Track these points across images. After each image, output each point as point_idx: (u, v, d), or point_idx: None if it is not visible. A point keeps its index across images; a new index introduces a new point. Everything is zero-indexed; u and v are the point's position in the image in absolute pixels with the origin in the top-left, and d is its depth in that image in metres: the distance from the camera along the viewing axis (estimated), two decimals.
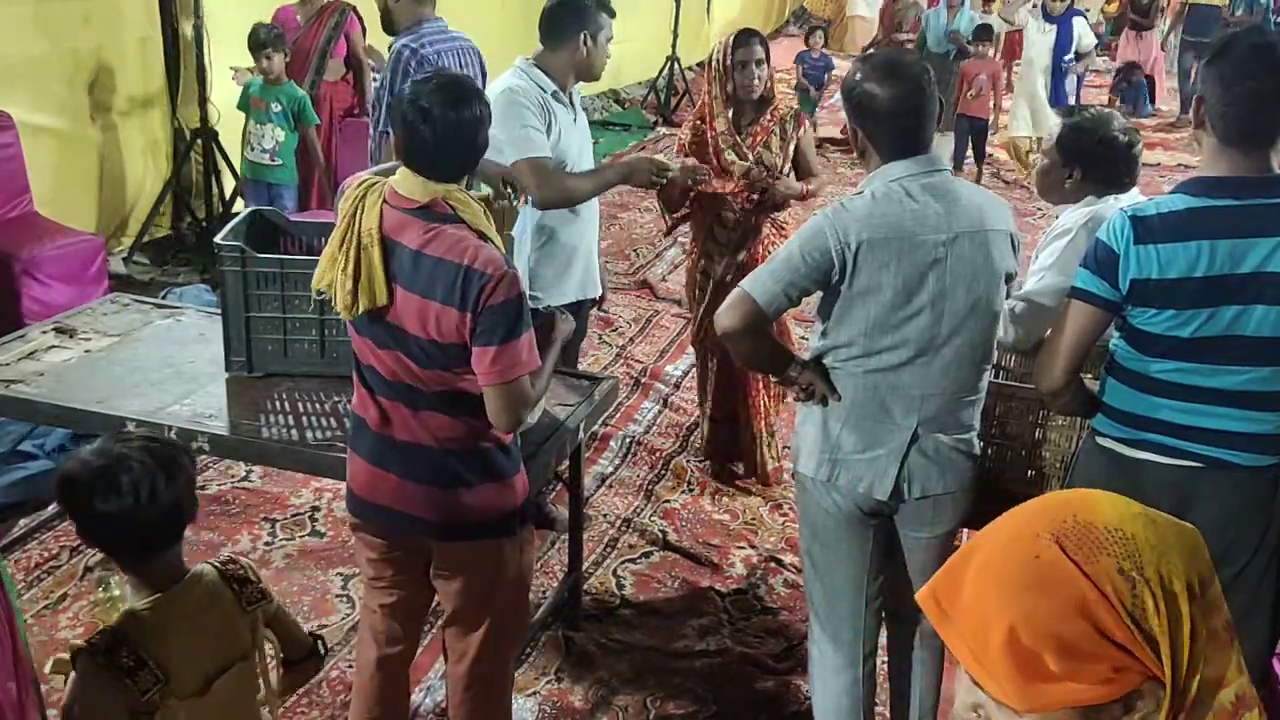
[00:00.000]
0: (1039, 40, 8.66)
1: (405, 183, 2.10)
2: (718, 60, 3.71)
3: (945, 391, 2.25)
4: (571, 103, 3.38)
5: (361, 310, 2.09)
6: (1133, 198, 2.66)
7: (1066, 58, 8.54)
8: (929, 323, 2.20)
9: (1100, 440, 2.26)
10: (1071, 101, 8.02)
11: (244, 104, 5.43)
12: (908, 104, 2.20)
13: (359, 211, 2.09)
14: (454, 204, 2.08)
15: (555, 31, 3.30)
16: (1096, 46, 9.41)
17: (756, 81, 3.66)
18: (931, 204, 2.19)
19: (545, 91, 3.26)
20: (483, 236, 2.09)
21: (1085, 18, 9.09)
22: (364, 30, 5.83)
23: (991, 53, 9.19)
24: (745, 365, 2.47)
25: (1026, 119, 8.58)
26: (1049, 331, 2.28)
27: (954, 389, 2.26)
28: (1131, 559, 0.92)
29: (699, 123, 3.81)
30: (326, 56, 5.77)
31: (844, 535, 2.37)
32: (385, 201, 2.10)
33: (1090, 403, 2.28)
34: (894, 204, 2.19)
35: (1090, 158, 2.61)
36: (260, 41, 5.24)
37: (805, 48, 9.70)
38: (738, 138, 3.73)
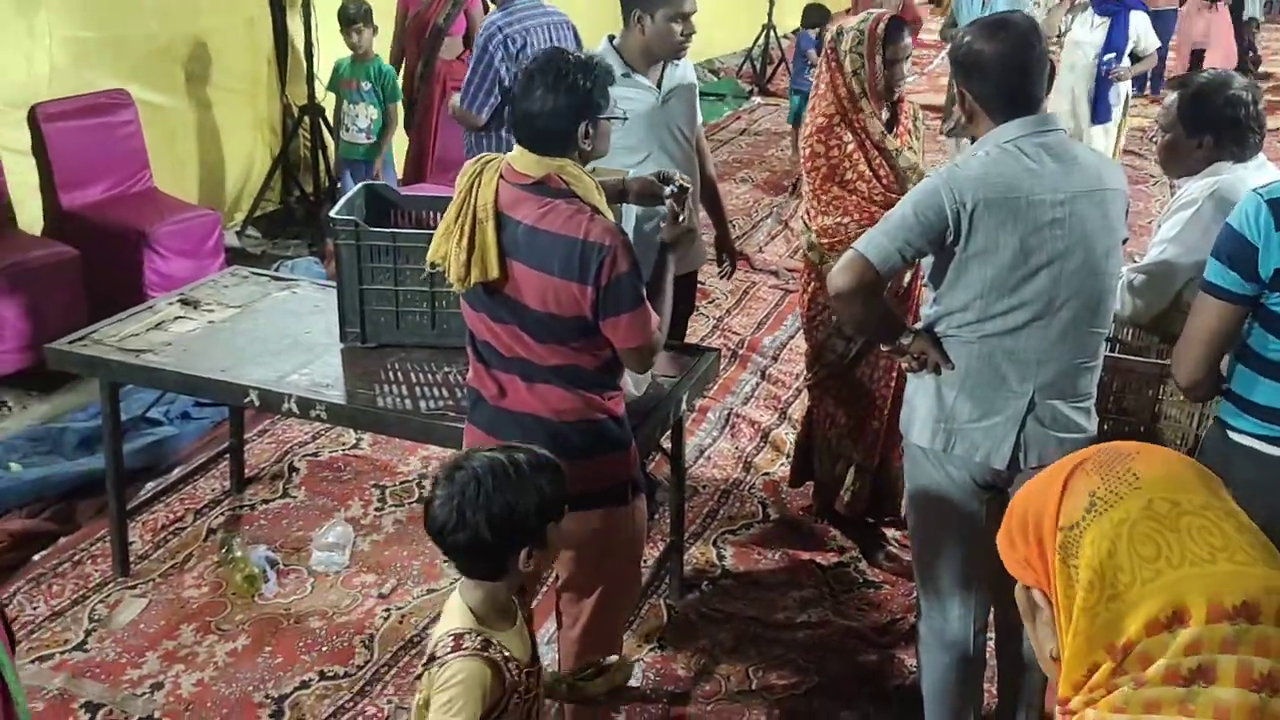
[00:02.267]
0: (1086, 39, 6.48)
1: (520, 159, 2.14)
2: (860, 53, 3.10)
3: (1062, 356, 2.22)
4: (659, 83, 3.32)
5: (474, 282, 2.14)
6: (1259, 165, 2.56)
7: (1107, 57, 6.28)
8: (1047, 284, 2.16)
9: (1234, 436, 2.16)
10: (1116, 118, 6.49)
11: (334, 86, 5.54)
12: (1015, 61, 2.16)
13: (475, 186, 2.14)
14: (567, 179, 2.12)
15: (623, 11, 3.27)
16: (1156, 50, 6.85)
17: (905, 79, 3.22)
18: (1048, 163, 2.15)
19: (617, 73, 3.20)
20: (595, 210, 2.12)
21: (1146, 11, 6.70)
22: (485, 8, 5.82)
23: None
24: (856, 331, 2.43)
25: None
26: (1186, 323, 2.18)
27: (1071, 354, 2.22)
28: (1109, 502, 0.96)
29: (825, 132, 3.15)
30: (443, 34, 5.80)
31: (956, 509, 2.34)
32: (501, 177, 2.14)
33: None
34: (1009, 163, 2.15)
35: (1219, 123, 2.52)
36: (349, 16, 5.34)
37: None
38: (890, 137, 3.19)
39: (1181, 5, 10.03)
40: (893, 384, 3.30)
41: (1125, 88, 6.54)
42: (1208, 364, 2.12)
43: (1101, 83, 6.36)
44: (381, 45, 5.71)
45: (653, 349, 2.21)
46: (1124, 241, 2.30)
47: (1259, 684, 0.88)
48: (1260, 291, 2.02)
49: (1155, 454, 1.01)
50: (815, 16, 7.68)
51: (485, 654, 1.73)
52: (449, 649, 1.74)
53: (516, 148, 2.16)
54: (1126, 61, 6.33)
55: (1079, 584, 0.95)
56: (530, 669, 1.84)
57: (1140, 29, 6.37)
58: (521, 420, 2.21)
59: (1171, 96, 2.64)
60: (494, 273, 2.11)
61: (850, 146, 3.14)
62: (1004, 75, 2.17)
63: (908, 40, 3.15)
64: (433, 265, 2.25)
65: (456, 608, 1.80)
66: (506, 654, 1.77)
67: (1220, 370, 2.18)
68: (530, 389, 2.20)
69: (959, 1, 6.79)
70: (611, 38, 3.35)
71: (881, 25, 3.10)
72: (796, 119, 7.59)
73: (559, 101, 2.08)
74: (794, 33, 8.81)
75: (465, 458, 1.77)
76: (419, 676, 1.79)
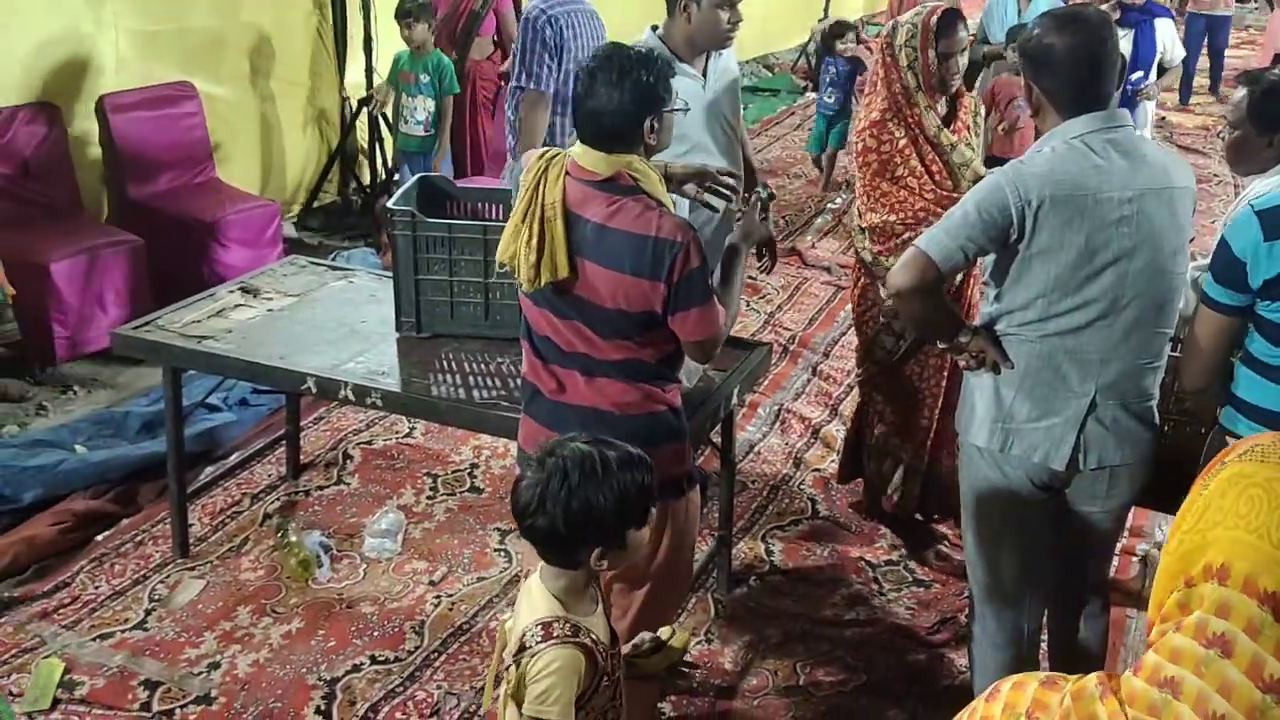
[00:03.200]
0: None
1: (586, 156, 2.13)
2: (914, 46, 3.05)
3: (1126, 356, 2.18)
4: (704, 73, 3.30)
5: (544, 282, 2.12)
6: None
7: (1135, 76, 5.50)
8: (1113, 282, 2.13)
9: (1233, 440, 2.14)
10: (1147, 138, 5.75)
11: (393, 78, 5.60)
12: (1084, 55, 2.13)
13: (541, 184, 2.13)
14: (635, 175, 2.12)
15: (668, 1, 3.25)
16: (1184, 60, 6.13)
17: (960, 73, 3.14)
18: (1116, 160, 2.12)
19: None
20: (662, 205, 2.13)
21: (1174, 20, 6.15)
22: (516, 8, 5.85)
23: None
24: (915, 329, 2.41)
25: None
26: (1188, 331, 2.21)
27: (1135, 354, 2.19)
28: (1255, 458, 0.99)
29: (878, 126, 3.11)
30: (473, 34, 5.83)
31: (1013, 509, 2.32)
32: (568, 174, 2.14)
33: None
34: (1076, 160, 2.12)
35: None
36: (404, 10, 5.39)
37: (828, 53, 7.06)
38: (945, 132, 3.12)
39: (1273, 9, 9.78)
40: (944, 383, 3.28)
41: (1152, 107, 5.83)
42: (1210, 371, 2.16)
43: (1126, 102, 5.38)
44: None
45: (717, 341, 2.23)
46: (1190, 240, 2.26)
47: (1267, 686, 0.90)
48: (1253, 300, 2.04)
49: None
50: (834, 33, 6.93)
51: (576, 639, 1.73)
52: (539, 638, 1.73)
53: (579, 145, 2.16)
54: (1153, 77, 5.62)
55: (1188, 510, 1.00)
56: (612, 650, 1.84)
57: (1167, 40, 5.63)
58: (582, 414, 2.22)
59: (1241, 93, 2.58)
60: (564, 272, 2.11)
61: (902, 142, 3.09)
62: (1074, 70, 2.13)
63: (963, 34, 3.08)
64: (501, 266, 2.23)
65: (540, 595, 1.79)
66: (594, 638, 1.77)
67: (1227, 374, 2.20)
68: (590, 383, 2.20)
69: (990, 6, 6.18)
70: (654, 27, 3.33)
71: (935, 18, 3.04)
72: (820, 144, 7.19)
73: (624, 98, 2.08)
74: (814, 52, 7.93)
75: (559, 445, 1.75)
76: (508, 667, 1.77)
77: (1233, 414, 2.16)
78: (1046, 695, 1.02)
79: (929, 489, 3.49)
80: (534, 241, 2.10)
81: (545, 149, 2.25)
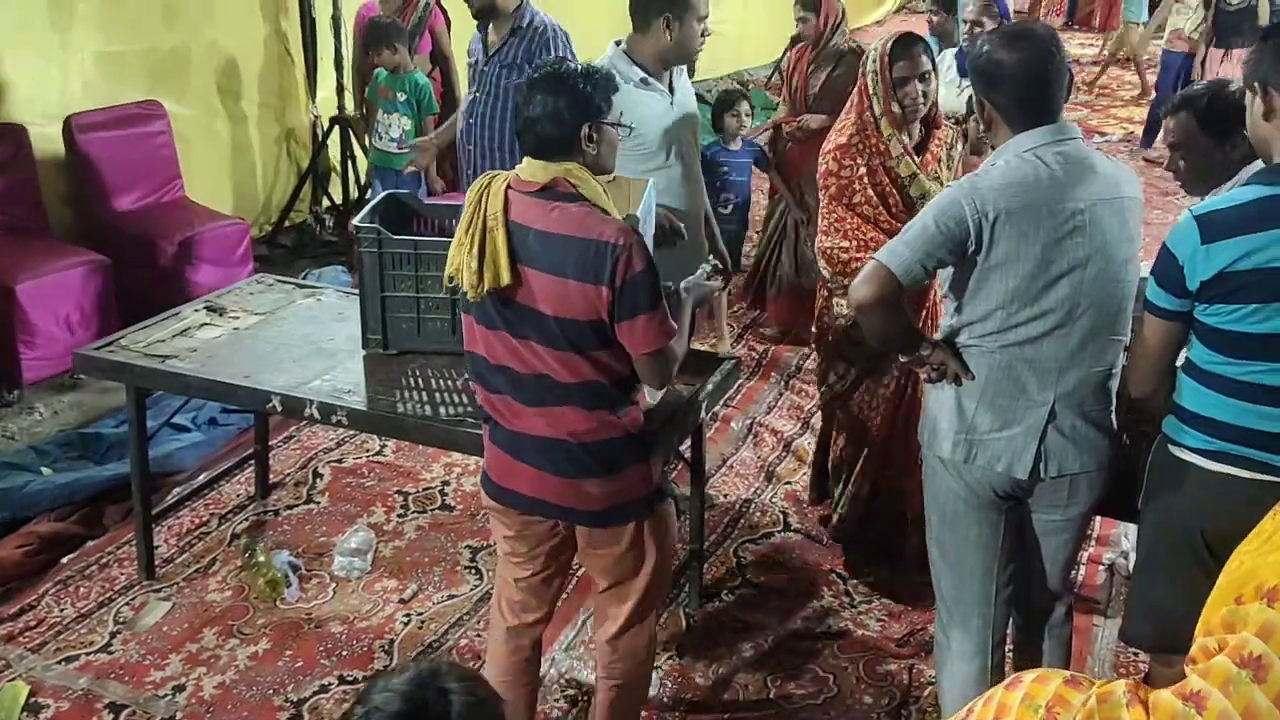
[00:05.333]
0: (953, 105, 4.66)
1: (527, 168, 2.17)
2: (875, 71, 3.00)
3: (1083, 364, 2.21)
4: (670, 88, 3.33)
5: (486, 288, 2.13)
6: None
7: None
8: (1068, 292, 2.15)
9: (1175, 450, 2.17)
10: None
11: (372, 94, 5.60)
12: (1035, 71, 2.16)
13: (484, 198, 2.15)
14: (574, 181, 2.14)
15: (639, 14, 3.25)
16: None
17: (923, 100, 3.01)
18: (1068, 171, 2.15)
19: (629, 81, 3.14)
20: (603, 213, 2.14)
21: None
22: (448, 24, 5.78)
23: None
24: (877, 343, 2.42)
25: None
26: (1134, 338, 2.23)
27: (1091, 362, 2.22)
28: None
29: (842, 150, 3.04)
30: (411, 52, 5.79)
31: (975, 520, 2.33)
32: (509, 188, 2.16)
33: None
34: (1029, 173, 2.14)
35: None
36: (374, 39, 5.38)
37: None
38: (907, 161, 3.02)
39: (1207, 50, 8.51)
40: (889, 415, 3.24)
41: None
42: (1156, 377, 2.18)
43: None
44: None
45: (670, 357, 2.20)
46: (1139, 250, 2.29)
47: None
48: (1192, 305, 2.06)
49: None
50: (722, 105, 5.16)
51: None
52: None
53: (523, 160, 2.19)
54: None
55: (1254, 533, 1.01)
56: None
57: None
58: (540, 443, 2.22)
59: (1178, 118, 2.55)
60: (506, 279, 2.11)
61: (862, 169, 3.02)
62: (1024, 85, 2.16)
63: (921, 58, 2.97)
64: (450, 279, 2.24)
65: None
66: None
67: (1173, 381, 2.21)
68: (545, 413, 2.20)
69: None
70: (618, 42, 3.33)
71: (890, 43, 2.98)
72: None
73: (559, 104, 2.11)
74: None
75: (374, 690, 1.38)
76: None
77: (1176, 423, 2.17)
78: (1070, 693, 1.01)
79: (873, 517, 3.41)
80: (475, 250, 2.11)
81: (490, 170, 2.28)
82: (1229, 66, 7.76)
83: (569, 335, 2.13)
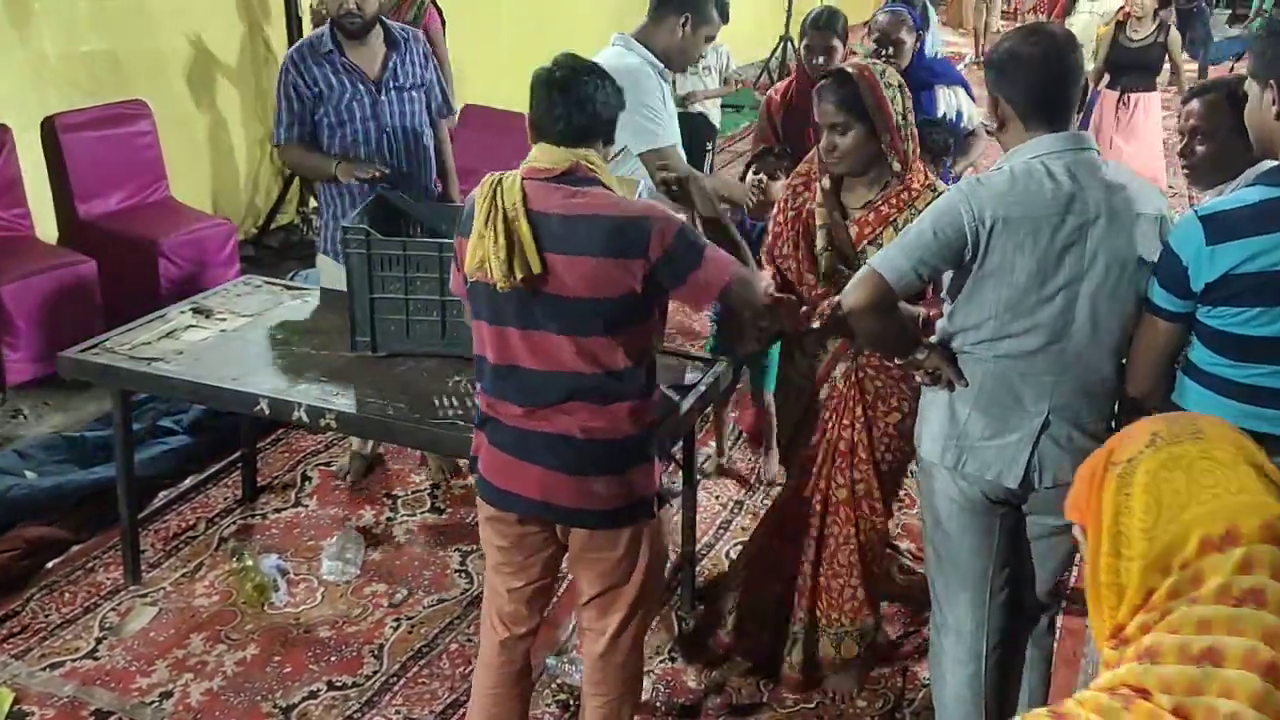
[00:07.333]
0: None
1: (544, 155, 2.14)
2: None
3: (1079, 378, 2.17)
4: (672, 83, 3.36)
5: (519, 277, 2.09)
6: None
7: None
8: (1063, 308, 2.12)
9: None
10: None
11: None
12: (1050, 68, 2.11)
13: (497, 192, 2.12)
14: (592, 166, 2.14)
15: (660, 8, 3.23)
16: None
17: (835, 155, 2.56)
18: (1074, 184, 2.09)
19: (655, 68, 3.20)
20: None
21: (966, 87, 4.32)
22: (444, 24, 5.69)
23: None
24: (870, 347, 2.39)
25: None
26: (1134, 336, 2.18)
27: (1089, 375, 2.18)
28: (1171, 440, 1.03)
29: (797, 177, 2.76)
30: None
31: (969, 524, 2.31)
32: (524, 178, 2.13)
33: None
34: (1033, 182, 2.10)
35: None
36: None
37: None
38: (839, 218, 2.63)
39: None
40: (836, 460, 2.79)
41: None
42: (1155, 376, 2.16)
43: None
44: None
45: (744, 278, 2.25)
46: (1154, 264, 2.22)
47: None
48: (1195, 306, 2.05)
49: (1222, 423, 1.08)
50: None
51: None
52: None
53: (535, 148, 2.16)
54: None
55: (1135, 510, 1.01)
56: None
57: (964, 108, 4.21)
58: (550, 440, 2.18)
59: (1206, 100, 2.44)
60: (536, 267, 2.08)
61: (792, 214, 2.70)
62: (1037, 77, 2.11)
63: (827, 108, 2.53)
64: (469, 279, 2.19)
65: None
66: None
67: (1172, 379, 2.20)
68: (557, 408, 2.16)
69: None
70: (625, 35, 3.27)
71: (821, 79, 2.61)
72: None
73: (609, 92, 2.15)
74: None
75: None
76: None
77: None
78: None
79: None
80: (501, 240, 2.08)
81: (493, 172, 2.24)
82: (1124, 115, 6.44)
83: (593, 316, 2.10)
